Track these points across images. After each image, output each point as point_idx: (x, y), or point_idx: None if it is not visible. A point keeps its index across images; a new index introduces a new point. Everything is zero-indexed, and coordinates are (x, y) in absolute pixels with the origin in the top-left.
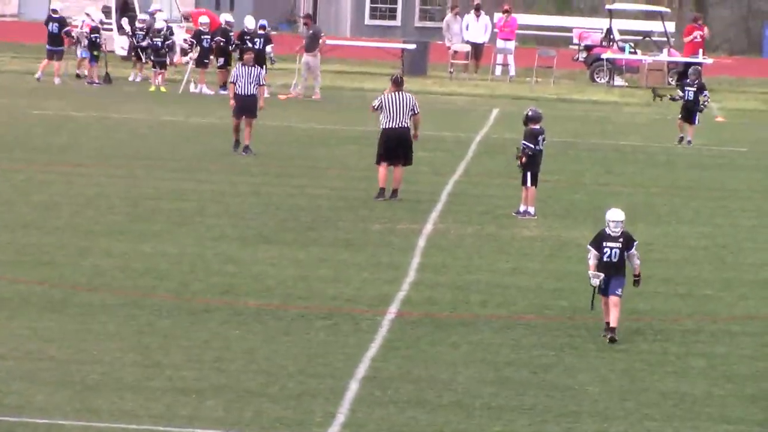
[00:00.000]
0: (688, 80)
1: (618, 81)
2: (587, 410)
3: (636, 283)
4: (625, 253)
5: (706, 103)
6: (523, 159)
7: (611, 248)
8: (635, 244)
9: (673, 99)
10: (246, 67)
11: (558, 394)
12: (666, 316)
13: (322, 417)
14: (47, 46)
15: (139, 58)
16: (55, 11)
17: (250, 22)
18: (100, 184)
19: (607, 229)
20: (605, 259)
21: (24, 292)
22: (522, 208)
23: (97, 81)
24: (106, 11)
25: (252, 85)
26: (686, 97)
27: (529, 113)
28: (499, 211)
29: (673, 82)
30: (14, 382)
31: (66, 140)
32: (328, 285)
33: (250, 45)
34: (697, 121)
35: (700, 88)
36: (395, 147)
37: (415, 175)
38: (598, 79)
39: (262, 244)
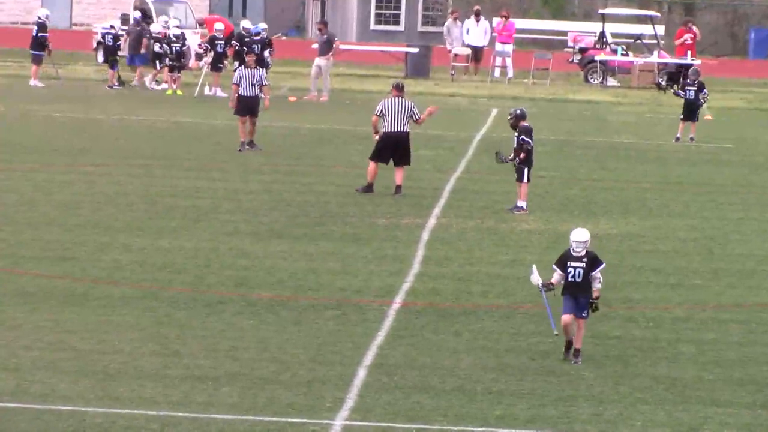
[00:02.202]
0: (688, 80)
1: (611, 82)
2: (583, 394)
3: (593, 306)
4: (590, 274)
5: (705, 97)
6: (523, 155)
7: (575, 268)
8: (601, 266)
9: (676, 93)
10: (248, 70)
11: (555, 379)
12: (657, 304)
13: (332, 402)
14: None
15: (153, 65)
16: (39, 17)
17: (261, 26)
18: (119, 183)
19: (571, 249)
20: (569, 279)
21: (47, 286)
22: (520, 203)
23: (116, 85)
24: (124, 19)
25: (255, 87)
26: (687, 96)
27: (518, 112)
28: (499, 206)
29: (663, 83)
30: (38, 372)
31: (87, 142)
32: (337, 277)
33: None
34: (698, 118)
35: (700, 87)
36: (393, 151)
37: (419, 172)
38: (591, 80)
39: (274, 239)
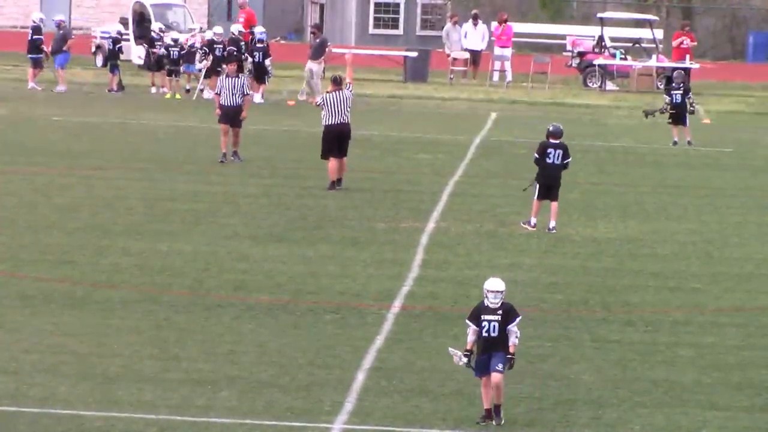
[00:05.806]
0: (674, 83)
1: (609, 85)
2: (582, 398)
3: (509, 362)
4: (506, 328)
5: (693, 104)
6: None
7: (489, 322)
8: (517, 319)
9: (662, 111)
10: (229, 79)
11: (554, 383)
12: (656, 308)
13: (331, 406)
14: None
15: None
16: (34, 21)
17: (259, 31)
18: (118, 187)
19: (485, 301)
20: (484, 334)
21: (46, 290)
22: (533, 221)
23: (116, 89)
24: (124, 22)
25: (236, 96)
26: (673, 101)
27: (550, 128)
28: (498, 209)
29: (662, 86)
30: (38, 375)
31: (86, 145)
32: (336, 281)
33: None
34: (687, 122)
35: (686, 91)
36: (338, 141)
37: (418, 175)
38: (590, 84)
39: (273, 243)
